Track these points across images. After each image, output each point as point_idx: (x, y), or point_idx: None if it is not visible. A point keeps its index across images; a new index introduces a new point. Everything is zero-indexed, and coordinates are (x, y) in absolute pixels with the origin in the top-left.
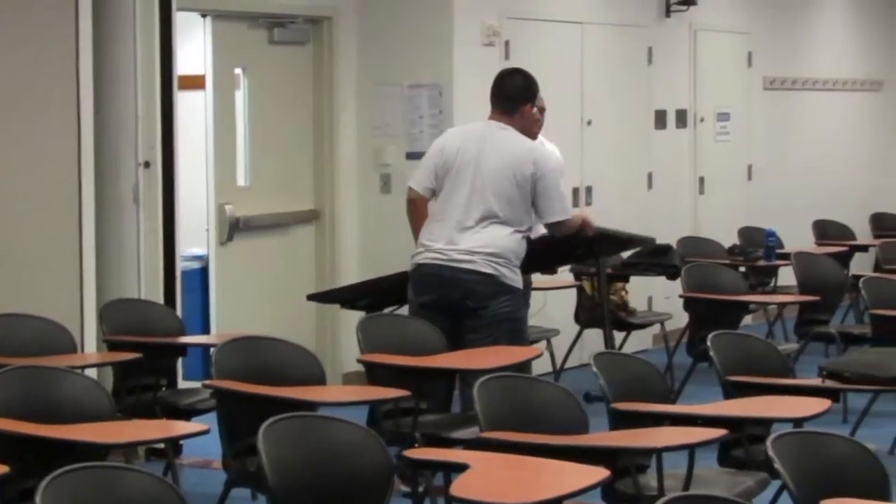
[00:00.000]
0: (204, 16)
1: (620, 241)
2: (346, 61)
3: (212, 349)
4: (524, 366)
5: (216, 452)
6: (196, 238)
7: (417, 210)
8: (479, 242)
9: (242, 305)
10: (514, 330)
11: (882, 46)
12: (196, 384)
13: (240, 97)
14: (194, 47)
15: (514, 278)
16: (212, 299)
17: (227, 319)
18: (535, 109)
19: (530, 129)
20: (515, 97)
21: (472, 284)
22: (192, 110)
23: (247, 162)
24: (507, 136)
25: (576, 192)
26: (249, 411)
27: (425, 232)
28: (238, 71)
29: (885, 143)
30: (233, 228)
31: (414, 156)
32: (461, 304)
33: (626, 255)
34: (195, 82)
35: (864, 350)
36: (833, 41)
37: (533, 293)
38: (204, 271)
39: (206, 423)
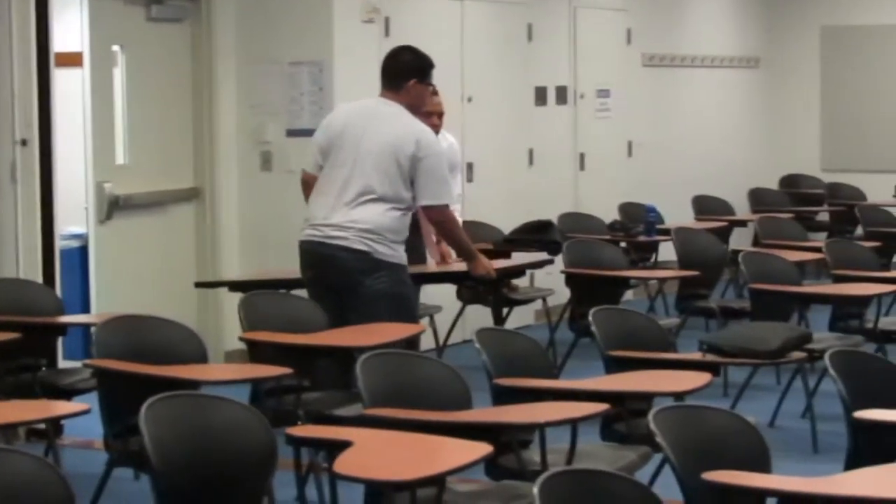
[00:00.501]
0: None
1: (530, 237)
2: (224, 38)
3: (92, 328)
4: (412, 342)
5: (97, 432)
6: (75, 217)
7: (310, 190)
8: (353, 218)
9: (123, 284)
10: (396, 307)
11: (759, 23)
12: (77, 364)
13: (118, 75)
14: (71, 24)
15: (392, 254)
16: (92, 278)
17: (108, 298)
18: (430, 89)
19: (419, 108)
20: (403, 73)
21: (346, 262)
22: (70, 88)
23: (126, 140)
24: (392, 113)
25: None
26: (131, 391)
27: (309, 208)
28: (116, 48)
29: (763, 119)
30: (112, 207)
31: (294, 133)
32: (338, 280)
33: (507, 231)
34: (72, 60)
35: (743, 324)
36: (711, 18)
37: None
38: (83, 250)
39: (87, 402)
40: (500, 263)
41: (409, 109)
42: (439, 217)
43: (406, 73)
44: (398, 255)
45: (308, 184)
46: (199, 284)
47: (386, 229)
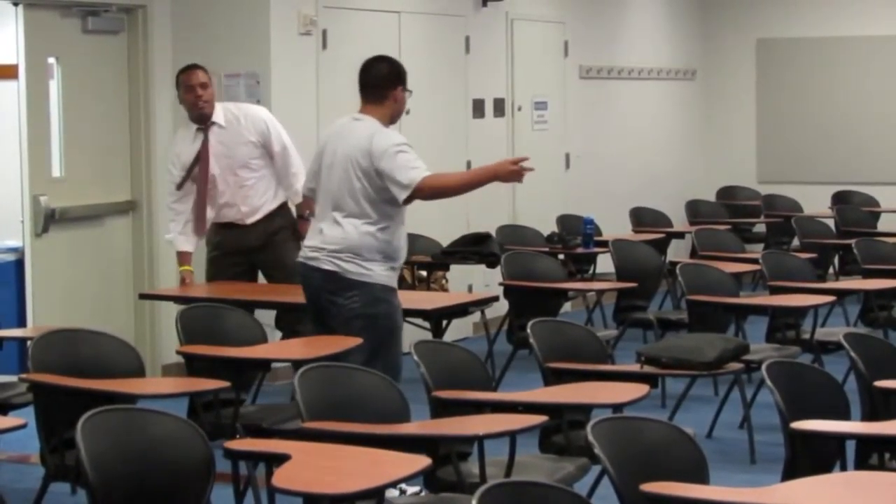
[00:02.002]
0: (16, 4)
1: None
2: (161, 50)
3: (28, 342)
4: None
5: (33, 447)
6: (10, 230)
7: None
8: (326, 239)
9: (59, 298)
10: (369, 326)
11: (695, 35)
12: (12, 378)
13: (53, 87)
14: (6, 36)
15: (364, 273)
16: (28, 292)
17: (44, 312)
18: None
19: (400, 114)
20: (387, 83)
21: (318, 281)
22: (5, 100)
23: (62, 152)
24: (355, 127)
25: None
26: (67, 405)
27: (310, 233)
28: (51, 60)
29: (699, 131)
30: (48, 220)
31: None
32: (317, 301)
33: (445, 243)
34: (7, 72)
35: (681, 336)
36: (647, 30)
37: None
38: (19, 263)
39: (23, 417)
40: (442, 301)
41: (392, 117)
42: (428, 191)
43: (391, 82)
44: (373, 272)
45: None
46: (143, 296)
47: (358, 247)
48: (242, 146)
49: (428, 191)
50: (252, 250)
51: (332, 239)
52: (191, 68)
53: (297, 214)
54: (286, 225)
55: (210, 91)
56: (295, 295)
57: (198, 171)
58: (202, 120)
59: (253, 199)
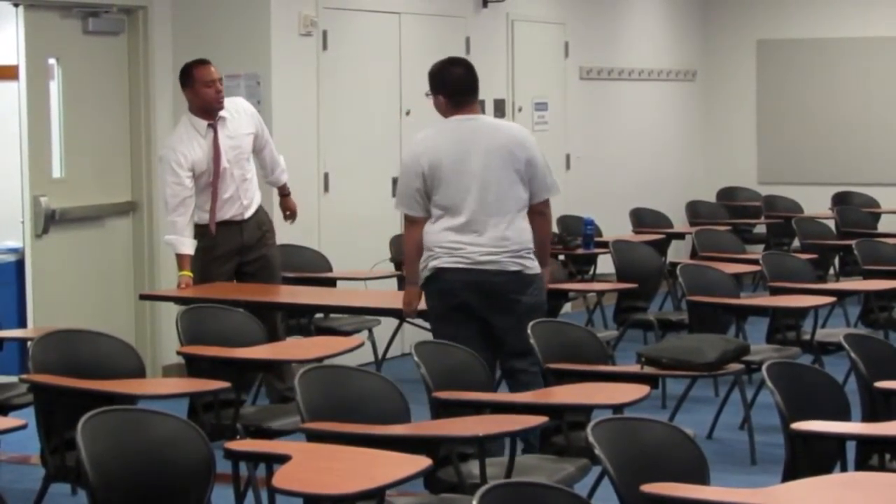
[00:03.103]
0: (16, 5)
1: None
2: (161, 51)
3: (29, 343)
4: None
5: (34, 448)
6: (11, 231)
7: (417, 232)
8: (504, 241)
9: (60, 299)
10: (542, 314)
11: (696, 37)
12: (13, 379)
13: (54, 88)
14: (6, 37)
15: (536, 265)
16: (28, 293)
17: (45, 313)
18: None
19: None
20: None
21: (500, 284)
22: (5, 101)
23: (62, 153)
24: (495, 124)
25: (395, 182)
26: (67, 406)
27: (434, 241)
28: (52, 61)
29: (700, 132)
30: (48, 221)
31: None
32: (490, 304)
33: None
34: (8, 73)
35: (681, 336)
36: (647, 31)
37: (353, 283)
38: (20, 264)
39: (24, 418)
40: None
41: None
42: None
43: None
44: (536, 263)
45: (417, 227)
46: (143, 297)
47: (529, 242)
48: (245, 138)
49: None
50: (245, 249)
51: (512, 239)
52: (204, 63)
53: (283, 194)
54: (270, 225)
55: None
56: (296, 296)
57: (212, 167)
58: (214, 115)
59: (251, 192)
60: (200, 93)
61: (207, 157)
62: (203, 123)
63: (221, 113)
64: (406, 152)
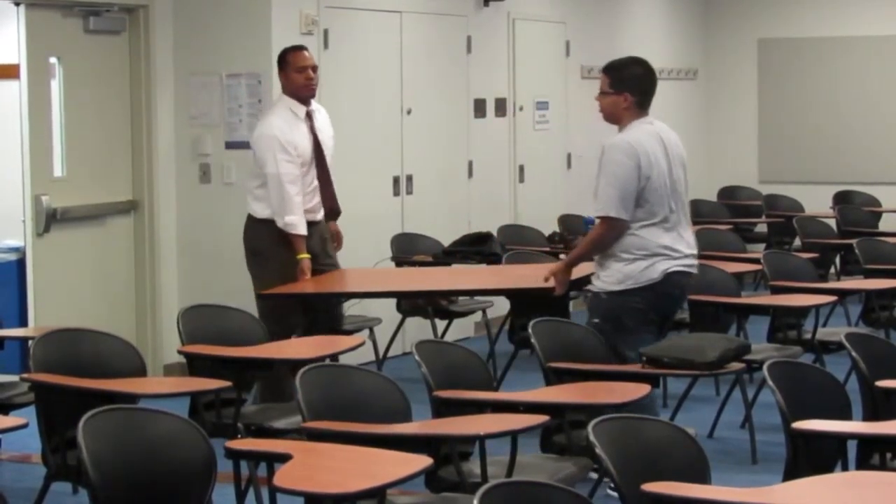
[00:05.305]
0: (17, 4)
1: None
2: (162, 50)
3: (30, 342)
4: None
5: (35, 447)
6: (12, 229)
7: (616, 235)
8: (691, 245)
9: (61, 298)
10: None
11: (697, 36)
12: (14, 378)
13: (55, 87)
14: (7, 36)
15: None
16: (29, 292)
17: (46, 312)
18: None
19: None
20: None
21: (689, 286)
22: (6, 100)
23: (63, 152)
24: (670, 130)
25: (396, 181)
26: (68, 404)
27: (654, 242)
28: (53, 60)
29: (701, 131)
30: (50, 219)
31: (233, 145)
32: (678, 307)
33: (446, 243)
34: (9, 72)
35: (682, 335)
36: (649, 30)
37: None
38: (21, 263)
39: (25, 417)
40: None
41: None
42: None
43: None
44: None
45: (621, 229)
46: (263, 296)
47: None
48: (329, 139)
49: None
50: (313, 255)
51: (694, 244)
52: (299, 48)
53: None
54: (331, 238)
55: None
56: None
57: (314, 155)
58: (307, 102)
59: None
60: (292, 77)
61: (308, 144)
62: (302, 109)
63: (313, 106)
64: (620, 156)
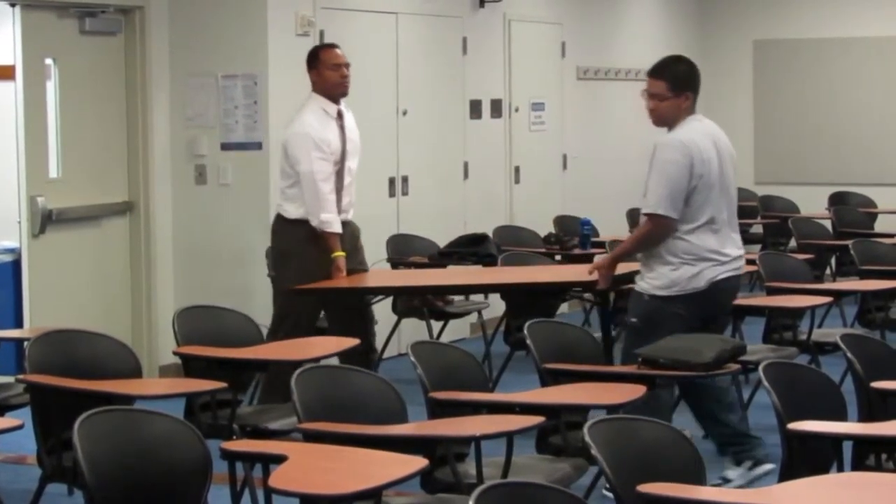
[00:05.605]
0: (13, 5)
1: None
2: (158, 52)
3: (25, 343)
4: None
5: (30, 448)
6: (7, 230)
7: (665, 234)
8: (739, 246)
9: (57, 299)
10: None
11: (692, 37)
12: (9, 379)
13: (51, 88)
14: (3, 37)
15: None
16: (25, 293)
17: (41, 313)
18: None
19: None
20: None
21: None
22: (2, 101)
23: (59, 153)
24: (718, 128)
25: (392, 182)
26: (64, 406)
27: (701, 246)
28: (49, 61)
29: None
30: (45, 221)
31: (228, 146)
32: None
33: (442, 244)
34: (5, 73)
35: (678, 337)
36: (644, 31)
37: None
38: (16, 264)
39: (20, 418)
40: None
41: None
42: None
43: None
44: None
45: (671, 228)
46: (298, 291)
47: None
48: (358, 138)
49: None
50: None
51: (741, 243)
52: (331, 46)
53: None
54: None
55: None
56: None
57: (344, 154)
58: (338, 100)
59: (352, 194)
60: (325, 75)
61: (339, 142)
62: (334, 108)
63: (342, 105)
64: (675, 154)
